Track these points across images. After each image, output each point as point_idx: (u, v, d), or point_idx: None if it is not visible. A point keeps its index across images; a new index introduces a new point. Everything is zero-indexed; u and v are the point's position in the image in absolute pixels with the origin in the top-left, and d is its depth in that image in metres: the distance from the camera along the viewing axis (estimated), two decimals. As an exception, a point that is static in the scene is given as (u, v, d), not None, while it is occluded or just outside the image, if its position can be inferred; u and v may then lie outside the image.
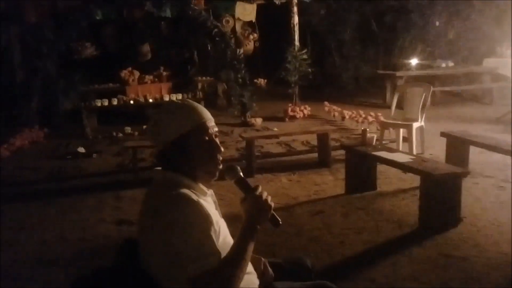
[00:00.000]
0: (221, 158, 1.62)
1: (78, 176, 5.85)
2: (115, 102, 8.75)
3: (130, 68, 9.63)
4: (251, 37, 10.03)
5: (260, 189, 1.58)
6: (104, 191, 5.13)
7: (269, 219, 1.57)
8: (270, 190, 4.86)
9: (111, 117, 8.86)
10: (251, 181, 1.64)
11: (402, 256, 3.37)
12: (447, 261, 3.26)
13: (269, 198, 1.56)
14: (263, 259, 1.78)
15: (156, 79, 9.78)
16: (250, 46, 10.06)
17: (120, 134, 8.00)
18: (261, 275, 1.73)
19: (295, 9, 9.54)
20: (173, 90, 9.53)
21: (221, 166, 1.63)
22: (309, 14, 11.26)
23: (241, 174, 1.62)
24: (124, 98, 8.94)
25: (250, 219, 1.53)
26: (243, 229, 1.52)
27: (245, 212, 1.55)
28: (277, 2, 9.38)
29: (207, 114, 1.62)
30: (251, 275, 1.65)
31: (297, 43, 9.56)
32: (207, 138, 1.58)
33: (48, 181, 5.72)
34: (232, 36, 9.14)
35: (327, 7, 11.99)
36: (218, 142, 1.62)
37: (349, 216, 4.19)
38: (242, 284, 1.53)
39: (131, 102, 8.79)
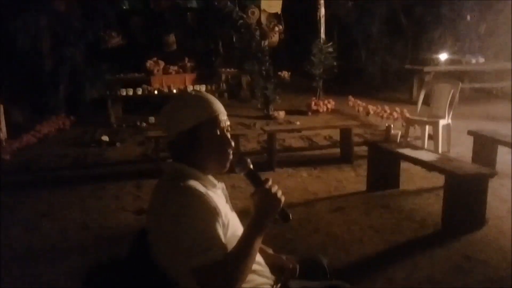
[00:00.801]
0: (231, 152, 1.60)
1: (101, 164, 5.95)
2: (139, 92, 8.82)
3: (155, 58, 9.70)
4: (277, 29, 9.97)
5: (270, 182, 1.54)
6: (126, 179, 5.19)
7: (279, 214, 1.54)
8: (290, 184, 4.82)
9: (135, 106, 8.94)
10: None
11: (423, 257, 3.29)
12: (469, 263, 3.18)
13: (279, 192, 1.53)
14: (284, 256, 1.80)
15: (181, 70, 9.82)
16: (275, 38, 10.00)
17: (144, 124, 8.09)
18: (279, 270, 1.73)
19: (322, 1, 9.40)
20: (197, 81, 9.56)
21: (231, 157, 1.60)
22: (336, 6, 11.10)
23: (251, 166, 1.58)
24: (149, 88, 9.01)
25: (259, 213, 1.50)
26: (250, 223, 1.49)
27: (254, 206, 1.52)
28: (303, -6, 9.31)
29: (220, 107, 1.60)
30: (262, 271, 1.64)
31: (323, 35, 9.44)
32: (218, 131, 1.57)
33: (72, 168, 5.83)
34: (257, 27, 9.10)
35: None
36: (229, 136, 1.61)
37: (370, 213, 4.13)
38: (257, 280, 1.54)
39: (156, 92, 8.85)
